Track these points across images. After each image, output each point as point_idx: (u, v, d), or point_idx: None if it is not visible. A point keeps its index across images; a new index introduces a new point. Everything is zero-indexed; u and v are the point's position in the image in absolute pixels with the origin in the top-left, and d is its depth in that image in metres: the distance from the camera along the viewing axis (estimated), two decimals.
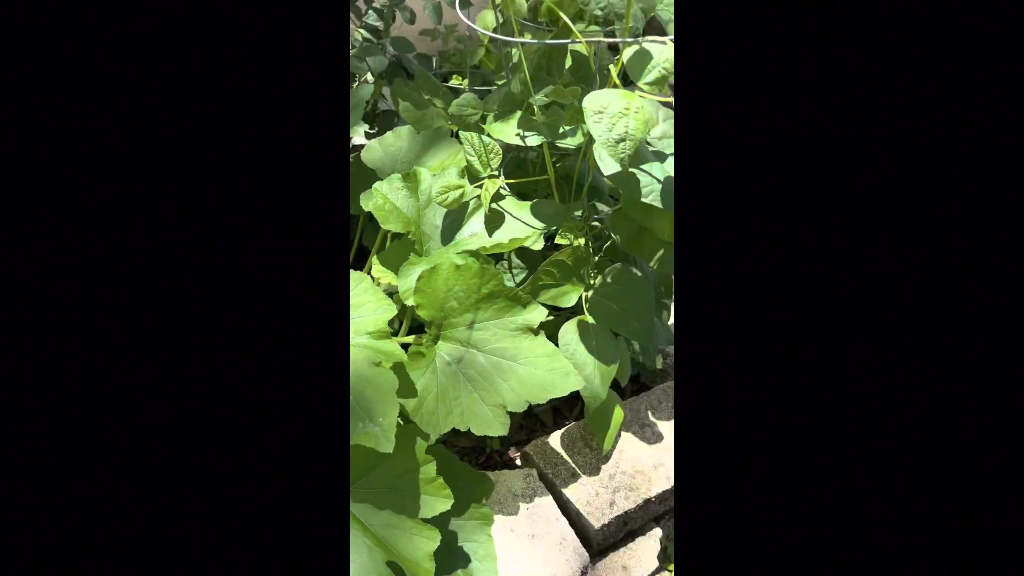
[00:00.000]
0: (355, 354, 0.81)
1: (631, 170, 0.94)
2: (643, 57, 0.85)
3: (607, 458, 1.16)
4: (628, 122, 0.81)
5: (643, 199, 0.93)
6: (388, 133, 1.18)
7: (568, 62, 1.12)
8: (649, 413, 1.25)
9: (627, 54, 0.86)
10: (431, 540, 0.82)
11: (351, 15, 1.32)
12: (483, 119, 1.06)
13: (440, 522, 0.84)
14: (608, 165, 0.93)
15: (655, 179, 0.94)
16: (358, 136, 1.24)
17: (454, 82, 1.44)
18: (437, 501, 0.84)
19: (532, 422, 1.32)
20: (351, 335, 0.83)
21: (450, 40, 1.54)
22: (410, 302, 0.93)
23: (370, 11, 1.32)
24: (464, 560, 0.94)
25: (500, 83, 1.18)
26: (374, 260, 1.04)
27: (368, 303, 0.87)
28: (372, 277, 1.03)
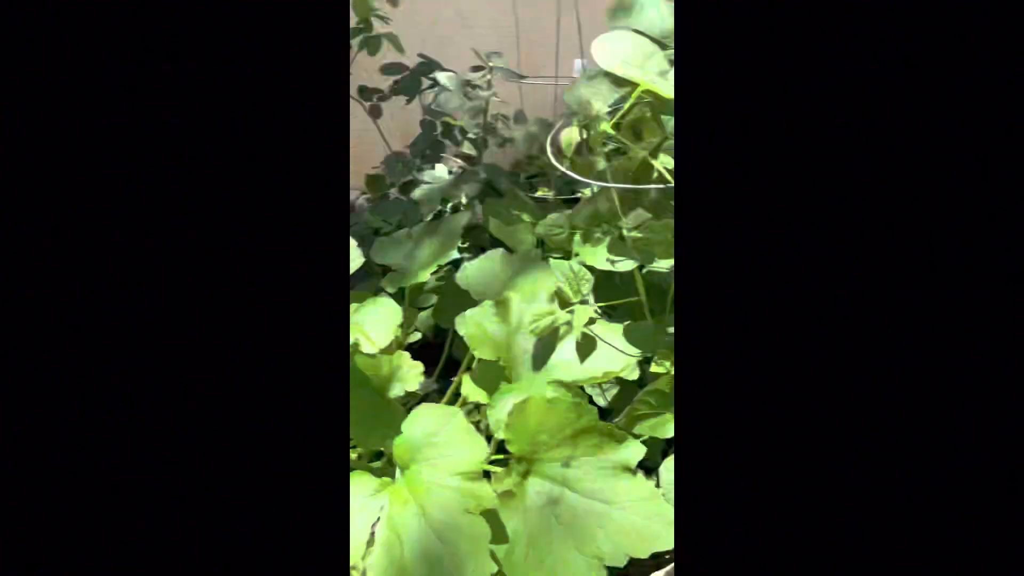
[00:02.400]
0: (444, 498, 0.75)
1: None
2: None
3: None
4: None
5: None
6: (480, 257, 1.17)
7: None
8: None
9: None
10: None
11: (447, 142, 1.36)
12: (570, 236, 1.04)
13: None
14: None
15: None
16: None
17: (540, 193, 1.43)
18: None
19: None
20: (443, 476, 0.77)
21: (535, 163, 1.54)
22: (499, 435, 0.88)
23: (465, 140, 1.38)
24: None
25: (586, 193, 1.15)
26: (464, 379, 1.02)
27: (459, 441, 0.82)
28: (459, 394, 1.01)
